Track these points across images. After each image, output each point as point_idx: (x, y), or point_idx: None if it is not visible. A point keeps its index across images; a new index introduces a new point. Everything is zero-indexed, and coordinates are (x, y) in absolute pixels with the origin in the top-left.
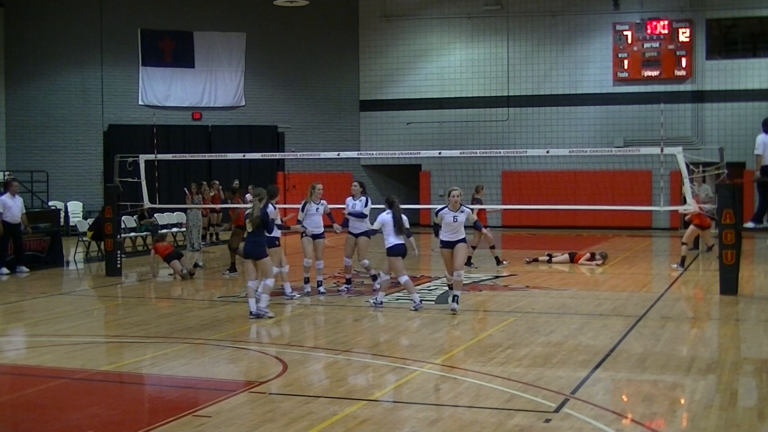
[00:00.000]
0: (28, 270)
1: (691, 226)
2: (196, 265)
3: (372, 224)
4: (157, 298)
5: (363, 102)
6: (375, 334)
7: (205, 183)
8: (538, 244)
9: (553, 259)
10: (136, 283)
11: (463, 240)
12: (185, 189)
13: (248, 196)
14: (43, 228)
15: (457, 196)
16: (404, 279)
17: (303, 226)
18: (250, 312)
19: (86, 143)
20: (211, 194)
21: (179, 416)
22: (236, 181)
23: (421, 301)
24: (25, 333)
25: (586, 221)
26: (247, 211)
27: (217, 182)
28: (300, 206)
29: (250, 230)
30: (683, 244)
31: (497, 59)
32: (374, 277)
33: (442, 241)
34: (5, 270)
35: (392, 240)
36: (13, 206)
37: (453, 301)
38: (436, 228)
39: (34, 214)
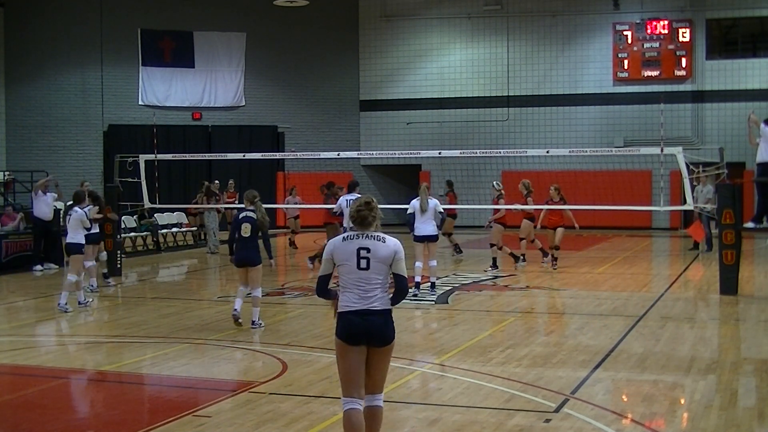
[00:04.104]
0: (57, 267)
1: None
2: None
3: None
4: (157, 298)
5: (363, 102)
6: None
7: (217, 182)
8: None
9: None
10: (136, 283)
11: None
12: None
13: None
14: None
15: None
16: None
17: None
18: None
19: (86, 143)
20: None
21: (179, 416)
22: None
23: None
24: (25, 333)
25: (586, 221)
26: (244, 214)
27: (217, 182)
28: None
29: (247, 235)
30: (500, 247)
31: (497, 59)
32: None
33: None
34: (39, 267)
35: (79, 237)
36: (42, 203)
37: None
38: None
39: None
